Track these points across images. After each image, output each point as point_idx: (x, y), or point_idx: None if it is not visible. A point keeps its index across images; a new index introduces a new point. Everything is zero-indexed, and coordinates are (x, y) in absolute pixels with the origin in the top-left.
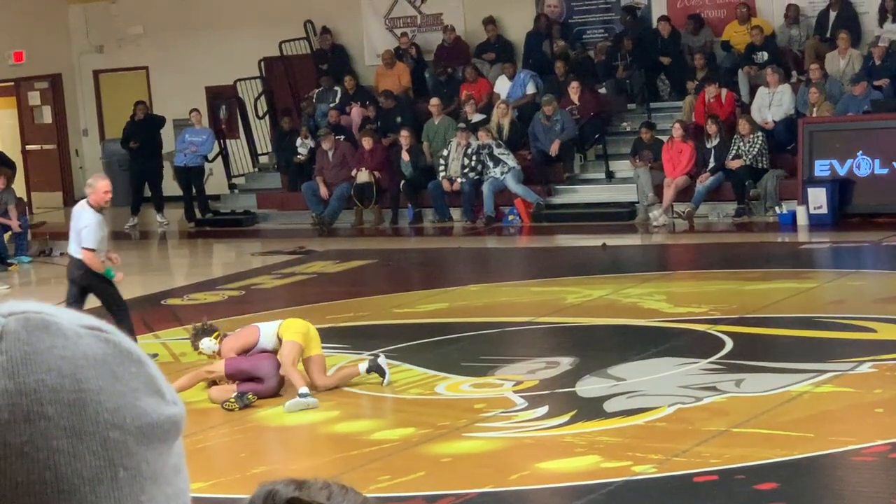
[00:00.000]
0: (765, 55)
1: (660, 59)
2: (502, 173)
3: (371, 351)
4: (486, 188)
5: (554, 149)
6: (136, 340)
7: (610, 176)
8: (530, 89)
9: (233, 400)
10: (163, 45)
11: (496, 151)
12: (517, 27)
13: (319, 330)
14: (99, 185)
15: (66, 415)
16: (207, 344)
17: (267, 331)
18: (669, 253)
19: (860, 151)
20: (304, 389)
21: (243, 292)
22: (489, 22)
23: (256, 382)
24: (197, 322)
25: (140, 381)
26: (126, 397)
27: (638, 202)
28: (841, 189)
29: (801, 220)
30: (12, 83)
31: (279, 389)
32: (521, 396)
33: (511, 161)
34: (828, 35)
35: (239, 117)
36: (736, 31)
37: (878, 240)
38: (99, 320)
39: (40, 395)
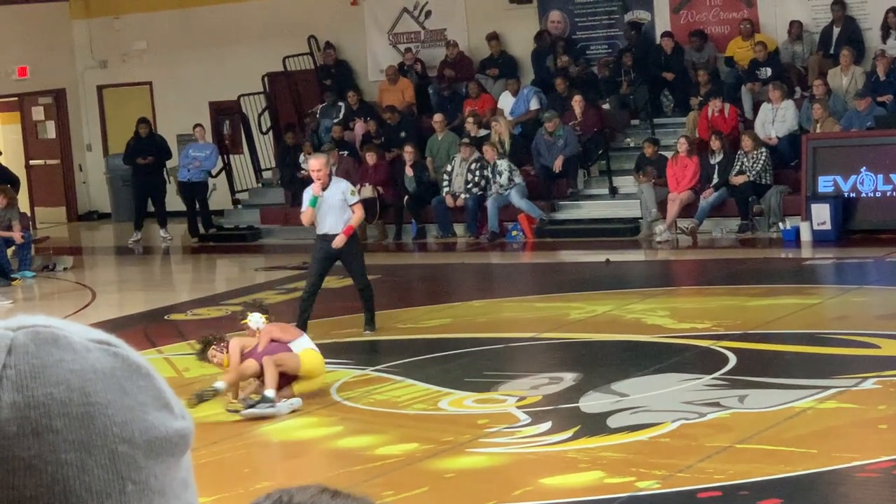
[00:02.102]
0: (768, 71)
1: (663, 75)
2: (507, 189)
3: (374, 366)
4: (490, 204)
5: (557, 165)
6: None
7: (613, 192)
8: (534, 105)
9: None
10: (166, 60)
11: (501, 167)
12: (521, 43)
13: (321, 343)
14: (309, 165)
15: (75, 428)
16: (256, 318)
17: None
18: (673, 269)
19: (864, 167)
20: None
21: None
22: (493, 38)
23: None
24: (252, 299)
25: (148, 395)
26: (134, 411)
27: (641, 218)
28: (844, 205)
29: (805, 236)
30: (16, 98)
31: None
32: (525, 412)
33: (517, 177)
34: (831, 51)
35: (242, 132)
36: (739, 47)
37: (882, 256)
38: (108, 334)
39: (49, 409)
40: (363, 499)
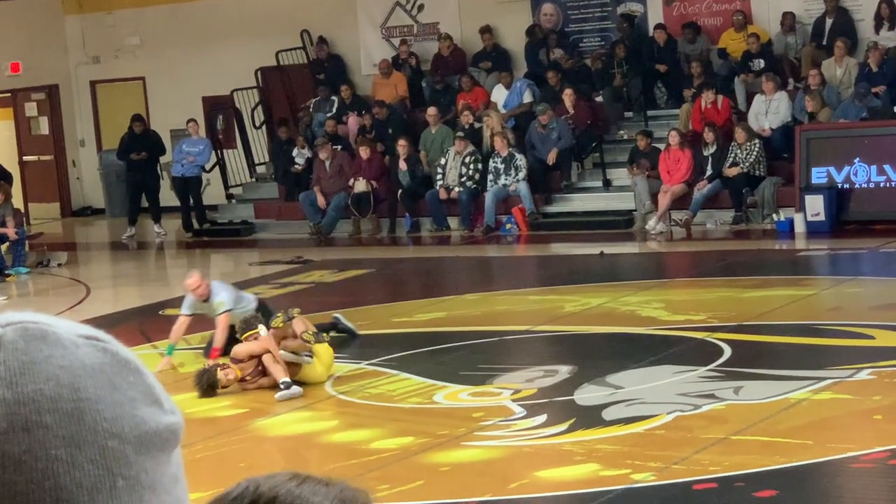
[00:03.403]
0: (761, 63)
1: (656, 67)
2: (519, 180)
3: (369, 360)
4: (489, 197)
5: (551, 157)
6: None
7: (607, 184)
8: (527, 98)
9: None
10: (159, 55)
11: (519, 161)
12: (514, 36)
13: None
14: (185, 284)
15: (65, 424)
16: (263, 330)
17: None
18: (667, 261)
19: (857, 158)
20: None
21: None
22: (486, 31)
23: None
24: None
25: (138, 391)
26: (124, 406)
27: (635, 210)
28: (838, 196)
29: (799, 227)
30: (9, 94)
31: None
32: (520, 405)
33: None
34: (824, 42)
35: (236, 127)
36: (732, 39)
37: (876, 246)
38: (96, 330)
39: (38, 405)
40: (338, 484)
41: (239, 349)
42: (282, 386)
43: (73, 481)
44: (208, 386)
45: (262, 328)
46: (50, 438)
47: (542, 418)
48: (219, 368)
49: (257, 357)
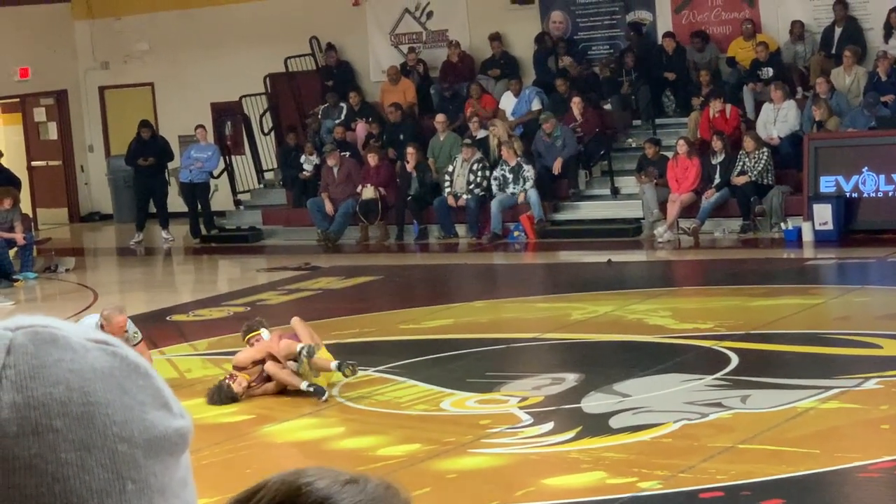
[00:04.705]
0: (770, 71)
1: (665, 75)
2: (527, 189)
3: (376, 367)
4: (494, 205)
5: (557, 166)
6: None
7: (615, 192)
8: (535, 106)
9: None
10: (168, 61)
11: (528, 172)
12: (522, 43)
13: (325, 345)
14: (115, 321)
15: (75, 428)
16: (266, 333)
17: None
18: (675, 269)
19: (865, 167)
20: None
21: (249, 308)
22: (495, 38)
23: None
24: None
25: (147, 395)
26: (134, 410)
27: (643, 218)
28: (846, 205)
29: (807, 236)
30: (18, 99)
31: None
32: (527, 412)
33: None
34: (833, 51)
35: (244, 133)
36: (741, 48)
37: (884, 256)
38: (106, 334)
39: (49, 409)
40: (364, 481)
41: (240, 357)
42: (310, 389)
43: (83, 485)
44: (228, 401)
45: (264, 331)
46: (60, 442)
47: (549, 426)
48: (229, 381)
49: (260, 362)
